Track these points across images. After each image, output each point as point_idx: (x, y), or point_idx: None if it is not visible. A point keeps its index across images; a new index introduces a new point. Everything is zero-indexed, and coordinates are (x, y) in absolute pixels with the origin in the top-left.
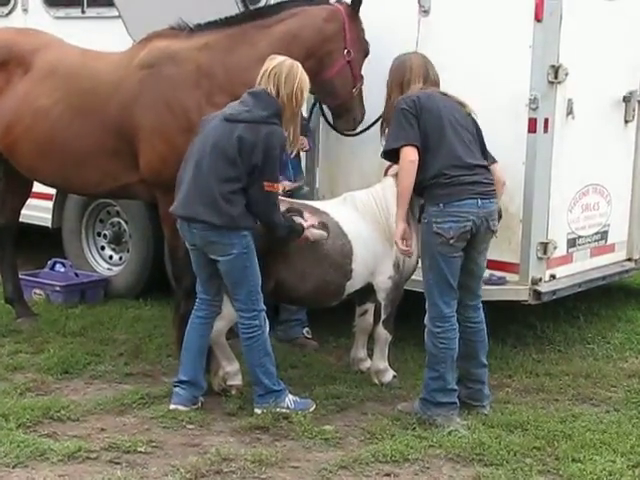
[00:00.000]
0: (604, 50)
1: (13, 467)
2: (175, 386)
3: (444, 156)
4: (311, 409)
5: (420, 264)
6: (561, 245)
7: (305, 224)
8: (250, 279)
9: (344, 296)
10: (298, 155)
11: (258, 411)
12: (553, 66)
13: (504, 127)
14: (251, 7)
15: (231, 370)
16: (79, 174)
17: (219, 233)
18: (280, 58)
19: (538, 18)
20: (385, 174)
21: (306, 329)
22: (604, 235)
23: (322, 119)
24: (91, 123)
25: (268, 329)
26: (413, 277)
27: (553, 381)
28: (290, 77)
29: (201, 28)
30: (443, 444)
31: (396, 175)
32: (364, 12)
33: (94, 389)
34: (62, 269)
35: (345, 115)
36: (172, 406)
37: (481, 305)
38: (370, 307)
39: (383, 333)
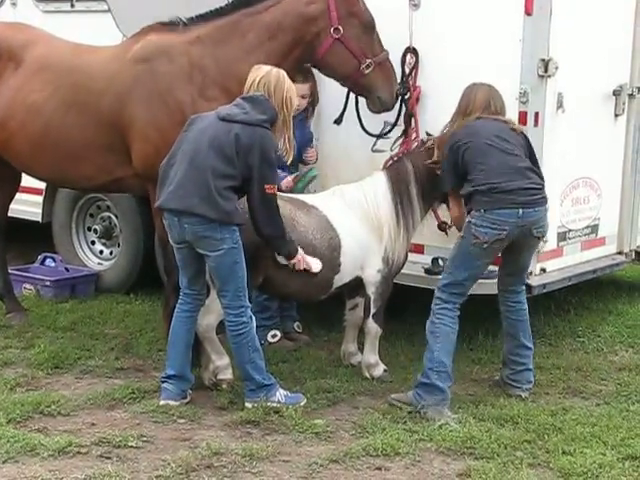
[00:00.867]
0: (594, 44)
1: (3, 462)
2: (163, 382)
3: (488, 168)
4: (302, 403)
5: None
6: (551, 239)
7: (300, 250)
8: (239, 275)
9: (332, 290)
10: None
11: (249, 405)
12: (543, 60)
13: None
14: None
15: (221, 364)
16: (73, 168)
17: (211, 227)
18: (266, 68)
19: (528, 12)
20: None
21: (297, 323)
22: (594, 228)
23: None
24: (85, 117)
25: (254, 325)
26: (403, 271)
27: (544, 374)
28: (279, 85)
29: (193, 21)
30: (434, 438)
31: (385, 169)
32: None
33: (85, 384)
34: (52, 264)
35: (369, 96)
36: (162, 402)
37: (523, 289)
38: (360, 301)
39: (373, 327)
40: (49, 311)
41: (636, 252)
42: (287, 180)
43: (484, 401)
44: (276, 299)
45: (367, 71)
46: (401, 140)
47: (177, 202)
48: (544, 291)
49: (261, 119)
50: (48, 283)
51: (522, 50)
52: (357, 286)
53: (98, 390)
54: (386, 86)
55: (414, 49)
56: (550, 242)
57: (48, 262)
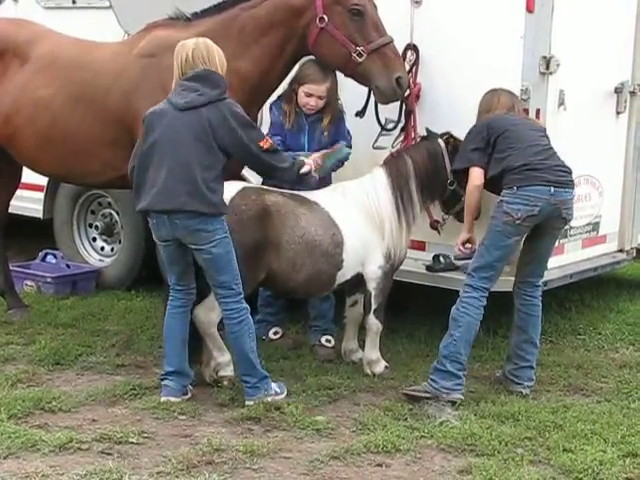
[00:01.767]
0: (596, 41)
1: (4, 458)
2: (163, 379)
3: (522, 147)
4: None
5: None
6: None
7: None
8: (234, 262)
9: (335, 286)
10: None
11: (250, 402)
12: (545, 57)
13: None
14: None
15: (223, 361)
16: (80, 164)
17: (203, 220)
18: (189, 42)
19: (530, 9)
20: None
21: (326, 337)
22: (596, 226)
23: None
24: (92, 113)
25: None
26: (403, 267)
27: (544, 372)
28: (210, 51)
29: (197, 16)
30: (434, 435)
31: (385, 165)
32: None
33: (85, 380)
34: (53, 260)
35: (369, 86)
36: (163, 399)
37: (540, 285)
38: (360, 298)
39: (374, 323)
40: (50, 307)
41: (637, 250)
42: (314, 157)
43: (485, 398)
44: (279, 295)
45: (360, 59)
46: (402, 137)
47: (165, 203)
48: (545, 288)
49: (218, 93)
50: (49, 280)
51: (524, 47)
52: (357, 283)
53: (99, 386)
54: (383, 74)
55: (414, 46)
56: None
57: (49, 259)
